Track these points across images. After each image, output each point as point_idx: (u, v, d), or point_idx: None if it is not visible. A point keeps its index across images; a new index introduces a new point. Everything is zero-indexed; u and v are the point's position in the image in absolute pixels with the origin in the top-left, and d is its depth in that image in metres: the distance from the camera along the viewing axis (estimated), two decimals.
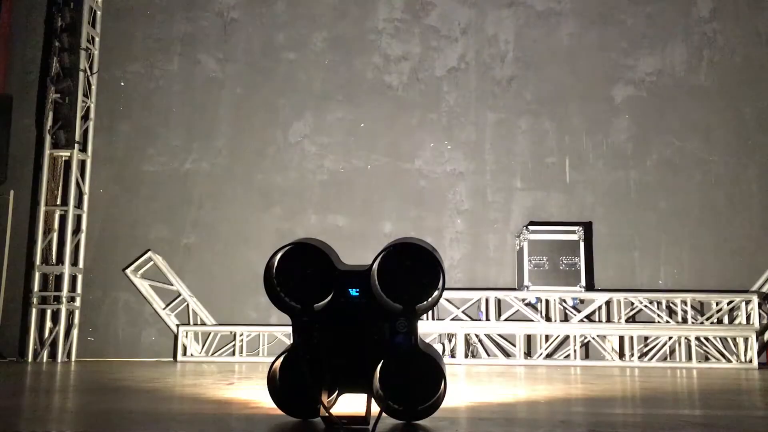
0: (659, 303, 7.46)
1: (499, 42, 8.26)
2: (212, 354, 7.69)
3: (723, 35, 8.11)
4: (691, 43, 8.13)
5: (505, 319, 7.52)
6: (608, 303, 7.50)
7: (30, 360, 7.44)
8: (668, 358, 7.35)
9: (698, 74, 8.08)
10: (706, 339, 7.31)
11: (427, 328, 7.32)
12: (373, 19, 8.34)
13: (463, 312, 7.52)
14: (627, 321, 7.43)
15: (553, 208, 7.94)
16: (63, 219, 7.83)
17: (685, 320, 7.35)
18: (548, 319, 7.47)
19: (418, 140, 8.15)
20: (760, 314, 7.28)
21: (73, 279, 7.81)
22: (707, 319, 7.41)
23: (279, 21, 8.38)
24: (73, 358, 7.63)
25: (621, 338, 7.41)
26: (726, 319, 7.42)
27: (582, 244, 7.46)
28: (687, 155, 7.95)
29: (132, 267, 7.85)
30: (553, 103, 8.13)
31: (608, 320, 7.48)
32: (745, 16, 8.11)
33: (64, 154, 7.86)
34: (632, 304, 7.49)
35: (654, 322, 7.41)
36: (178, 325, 7.72)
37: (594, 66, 8.16)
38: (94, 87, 8.16)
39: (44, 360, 7.47)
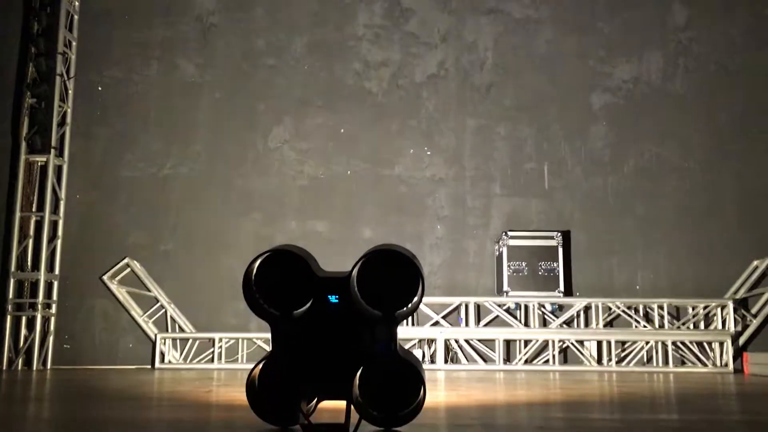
0: (636, 308, 7.54)
1: (479, 49, 8.31)
2: (191, 361, 7.63)
3: (698, 43, 8.23)
4: (667, 51, 8.23)
5: (485, 325, 7.55)
6: (586, 308, 7.56)
7: (4, 368, 7.33)
8: (645, 363, 7.41)
9: (674, 82, 8.19)
10: (683, 344, 7.39)
11: (406, 334, 7.32)
12: (353, 26, 8.36)
13: (442, 318, 7.53)
14: (605, 326, 7.50)
15: (532, 213, 8.00)
16: (39, 225, 7.73)
17: (662, 325, 7.43)
18: (527, 324, 7.51)
19: (398, 146, 8.17)
20: (735, 319, 7.38)
21: (49, 286, 7.71)
22: (683, 324, 7.50)
23: (259, 26, 8.37)
24: (49, 365, 7.54)
25: (599, 343, 7.46)
26: (702, 324, 7.50)
27: (560, 250, 7.52)
28: (663, 162, 8.05)
29: (109, 273, 7.77)
30: (531, 109, 8.19)
31: (586, 326, 7.53)
32: (720, 24, 8.24)
33: (40, 159, 7.78)
34: (610, 309, 7.56)
35: (631, 327, 7.48)
36: (156, 333, 7.65)
37: (572, 73, 8.24)
38: (71, 92, 8.08)
39: (19, 368, 7.37)
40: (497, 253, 7.75)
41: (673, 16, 8.28)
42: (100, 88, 8.24)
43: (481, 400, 4.39)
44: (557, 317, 7.52)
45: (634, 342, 7.44)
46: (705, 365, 7.27)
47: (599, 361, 7.39)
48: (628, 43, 8.26)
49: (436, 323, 7.50)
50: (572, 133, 8.14)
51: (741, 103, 8.10)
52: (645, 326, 7.46)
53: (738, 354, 7.35)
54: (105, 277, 7.75)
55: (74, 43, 8.18)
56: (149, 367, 7.61)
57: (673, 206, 7.96)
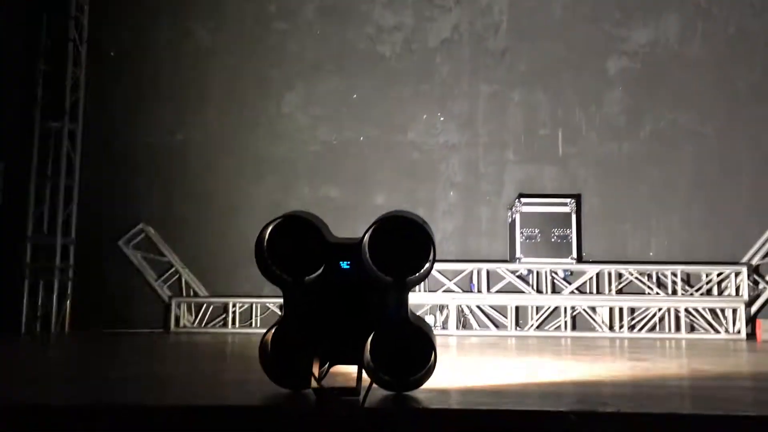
0: (649, 275, 7.51)
1: (493, 12, 8.19)
2: (205, 325, 7.72)
3: (717, 6, 8.05)
4: (685, 14, 8.07)
5: (497, 291, 7.56)
6: (599, 275, 7.55)
7: (23, 331, 7.44)
8: (657, 329, 7.42)
9: (692, 46, 8.04)
10: (695, 310, 7.38)
11: (418, 300, 7.35)
12: None
13: (454, 284, 7.56)
14: (617, 293, 7.49)
15: (546, 180, 7.95)
16: (54, 190, 7.78)
17: (674, 292, 7.41)
18: (539, 290, 7.52)
19: (411, 112, 8.11)
20: (748, 286, 7.35)
21: (65, 250, 7.79)
22: (697, 290, 7.48)
23: None
24: (66, 329, 7.64)
25: (611, 309, 7.46)
26: (715, 291, 7.48)
27: (574, 217, 7.49)
28: (679, 127, 7.94)
29: (124, 238, 7.83)
30: (546, 74, 8.08)
31: (598, 292, 7.53)
32: None
33: (55, 125, 7.79)
34: (622, 275, 7.54)
35: (644, 293, 7.46)
36: (170, 297, 7.74)
37: (588, 37, 8.11)
38: (83, 57, 8.06)
39: (37, 331, 7.47)
40: (510, 220, 7.73)
41: None
42: (112, 54, 8.21)
43: (492, 365, 4.42)
44: (570, 283, 7.52)
45: (646, 308, 7.43)
46: (717, 332, 7.27)
47: (611, 327, 7.40)
48: (645, 6, 8.10)
49: (448, 289, 7.52)
50: (587, 99, 8.04)
51: (760, 67, 7.95)
52: (657, 293, 7.44)
53: (750, 321, 7.33)
54: (120, 242, 7.82)
55: (86, 8, 8.13)
56: (163, 330, 7.70)
57: (688, 172, 7.87)
